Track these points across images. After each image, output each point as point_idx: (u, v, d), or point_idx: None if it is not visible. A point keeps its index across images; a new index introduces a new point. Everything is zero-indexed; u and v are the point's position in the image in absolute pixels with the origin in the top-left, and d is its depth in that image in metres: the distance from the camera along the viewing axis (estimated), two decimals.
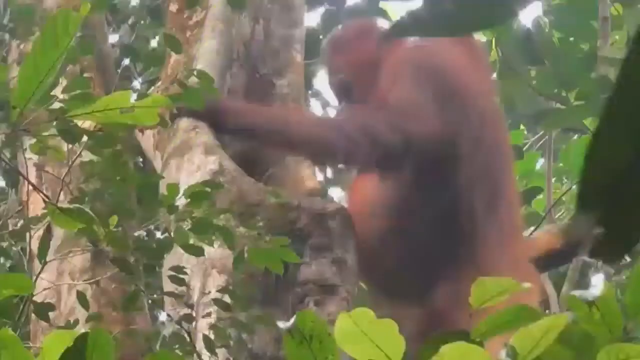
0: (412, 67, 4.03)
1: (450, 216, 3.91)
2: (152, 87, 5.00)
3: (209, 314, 3.56)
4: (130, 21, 5.62)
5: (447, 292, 3.87)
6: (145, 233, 3.38)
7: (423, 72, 4.03)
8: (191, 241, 3.31)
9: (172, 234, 3.27)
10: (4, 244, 4.29)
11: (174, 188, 3.26)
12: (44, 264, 3.57)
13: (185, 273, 3.44)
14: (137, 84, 5.65)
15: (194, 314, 3.54)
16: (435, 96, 3.96)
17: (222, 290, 3.52)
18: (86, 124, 3.44)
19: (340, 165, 4.17)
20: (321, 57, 4.64)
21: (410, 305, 4.00)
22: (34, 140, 3.02)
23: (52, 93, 3.08)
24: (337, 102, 4.37)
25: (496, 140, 4.11)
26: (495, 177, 4.02)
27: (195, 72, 3.60)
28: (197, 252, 3.34)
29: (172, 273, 3.39)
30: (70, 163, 3.40)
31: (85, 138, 3.04)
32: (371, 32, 4.27)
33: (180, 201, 3.33)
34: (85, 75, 4.70)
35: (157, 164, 4.45)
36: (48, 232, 3.85)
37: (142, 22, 5.63)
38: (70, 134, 2.85)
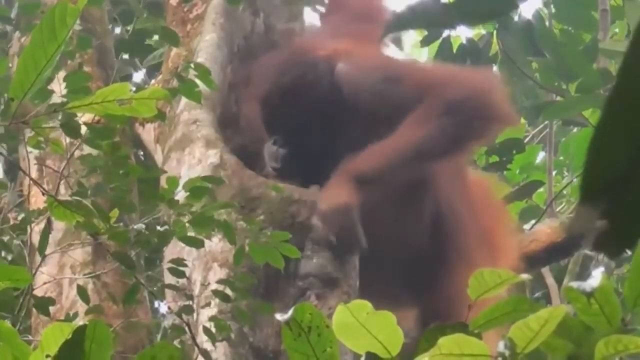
0: (399, 69, 4.08)
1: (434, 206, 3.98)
2: (153, 80, 5.00)
3: (208, 304, 3.57)
4: (117, 12, 5.59)
5: (441, 287, 3.90)
6: (144, 226, 3.37)
7: (406, 67, 4.11)
8: (190, 234, 3.31)
9: (171, 227, 3.27)
10: (5, 238, 4.30)
11: (173, 181, 3.26)
12: (44, 257, 3.58)
13: (185, 265, 3.44)
14: (137, 77, 5.66)
15: (193, 306, 3.54)
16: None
17: (221, 281, 3.52)
18: (85, 117, 3.44)
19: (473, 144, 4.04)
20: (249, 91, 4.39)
21: (404, 306, 4.01)
22: (33, 134, 3.01)
23: (50, 87, 3.08)
24: (267, 132, 4.17)
25: None
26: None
27: (192, 65, 3.59)
28: (197, 244, 3.34)
29: (172, 265, 3.39)
30: (68, 156, 3.39)
31: (84, 130, 3.04)
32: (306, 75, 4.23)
33: (181, 194, 3.33)
34: (86, 69, 4.70)
35: (158, 158, 4.45)
36: (48, 225, 3.84)
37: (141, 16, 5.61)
38: (72, 127, 2.85)
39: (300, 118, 4.10)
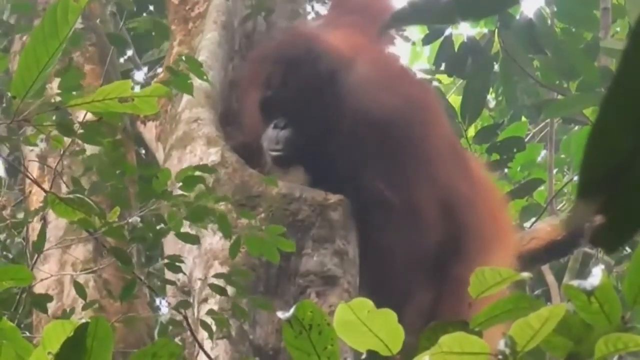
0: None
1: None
2: (153, 75, 5.00)
3: (205, 299, 3.57)
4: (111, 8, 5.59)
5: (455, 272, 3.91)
6: (139, 220, 3.37)
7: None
8: (187, 228, 3.30)
9: (167, 221, 3.28)
10: (2, 236, 4.30)
11: (166, 174, 3.26)
12: (39, 254, 3.58)
13: (182, 261, 3.44)
14: (139, 76, 5.66)
15: (190, 301, 3.54)
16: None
17: (218, 275, 3.51)
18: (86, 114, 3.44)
19: None
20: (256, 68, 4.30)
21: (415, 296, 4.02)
22: (32, 132, 3.02)
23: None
24: (266, 120, 4.12)
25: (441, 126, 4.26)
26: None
27: (183, 58, 3.58)
28: (192, 240, 3.34)
29: (168, 261, 3.39)
30: (62, 153, 3.40)
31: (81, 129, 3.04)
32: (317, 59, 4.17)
33: (179, 191, 3.33)
34: (87, 67, 4.71)
35: (160, 156, 4.46)
36: (44, 223, 3.84)
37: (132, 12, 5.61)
38: (66, 126, 2.85)
39: (304, 94, 4.03)
